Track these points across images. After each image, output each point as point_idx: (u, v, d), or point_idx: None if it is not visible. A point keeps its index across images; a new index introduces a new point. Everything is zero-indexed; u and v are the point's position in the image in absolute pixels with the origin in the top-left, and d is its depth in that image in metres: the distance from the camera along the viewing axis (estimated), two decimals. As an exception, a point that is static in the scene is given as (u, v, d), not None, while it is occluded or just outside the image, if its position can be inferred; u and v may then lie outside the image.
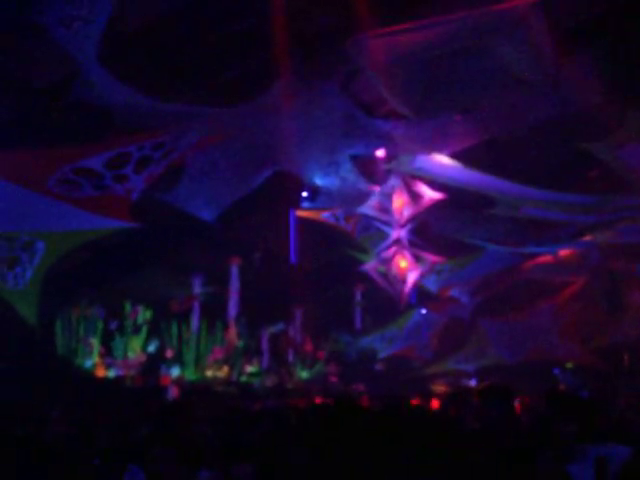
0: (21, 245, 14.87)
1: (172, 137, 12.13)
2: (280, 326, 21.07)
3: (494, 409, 4.73)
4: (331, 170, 15.63)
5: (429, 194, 17.17)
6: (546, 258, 22.51)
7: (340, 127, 14.04)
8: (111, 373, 17.13)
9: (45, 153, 11.78)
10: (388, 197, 17.22)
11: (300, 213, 18.22)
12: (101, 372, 17.01)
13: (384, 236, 18.33)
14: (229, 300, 19.26)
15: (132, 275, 17.12)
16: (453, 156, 15.19)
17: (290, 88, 12.06)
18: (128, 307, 17.41)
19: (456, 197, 16.96)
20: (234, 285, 19.26)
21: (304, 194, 17.30)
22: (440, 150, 15.15)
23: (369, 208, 17.55)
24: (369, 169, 16.25)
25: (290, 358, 21.31)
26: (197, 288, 18.56)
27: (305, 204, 17.64)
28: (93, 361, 17.02)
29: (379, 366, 24.16)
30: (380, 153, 15.87)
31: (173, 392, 16.55)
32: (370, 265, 19.10)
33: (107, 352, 17.23)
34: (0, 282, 15.26)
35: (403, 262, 18.09)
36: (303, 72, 11.86)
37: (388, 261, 18.29)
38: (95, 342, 17.04)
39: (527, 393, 13.68)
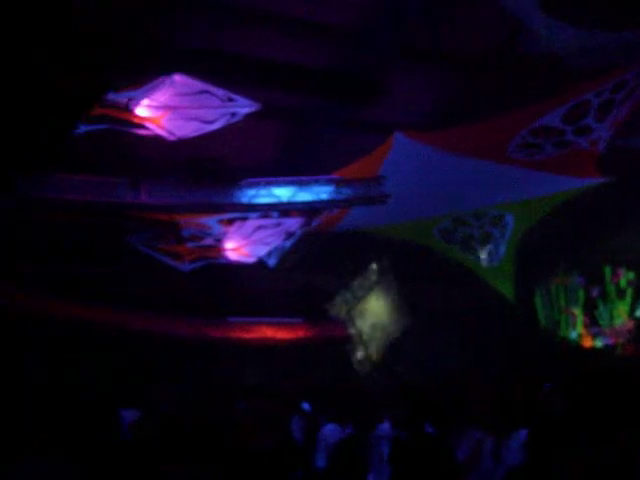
0: (490, 221, 14.92)
1: (634, 72, 10.87)
2: None
3: None
4: None
5: None
6: None
7: None
8: (599, 342, 16.34)
9: (500, 121, 11.52)
10: None
11: None
12: (588, 342, 16.38)
13: None
14: None
15: (609, 236, 15.99)
16: None
17: None
18: (608, 271, 16.36)
19: None
20: None
21: None
22: None
23: None
24: None
25: None
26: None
27: None
28: (578, 331, 16.49)
29: None
30: None
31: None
32: None
33: (591, 321, 16.47)
34: (475, 260, 15.52)
35: None
36: None
37: None
38: (578, 311, 16.47)
39: None
